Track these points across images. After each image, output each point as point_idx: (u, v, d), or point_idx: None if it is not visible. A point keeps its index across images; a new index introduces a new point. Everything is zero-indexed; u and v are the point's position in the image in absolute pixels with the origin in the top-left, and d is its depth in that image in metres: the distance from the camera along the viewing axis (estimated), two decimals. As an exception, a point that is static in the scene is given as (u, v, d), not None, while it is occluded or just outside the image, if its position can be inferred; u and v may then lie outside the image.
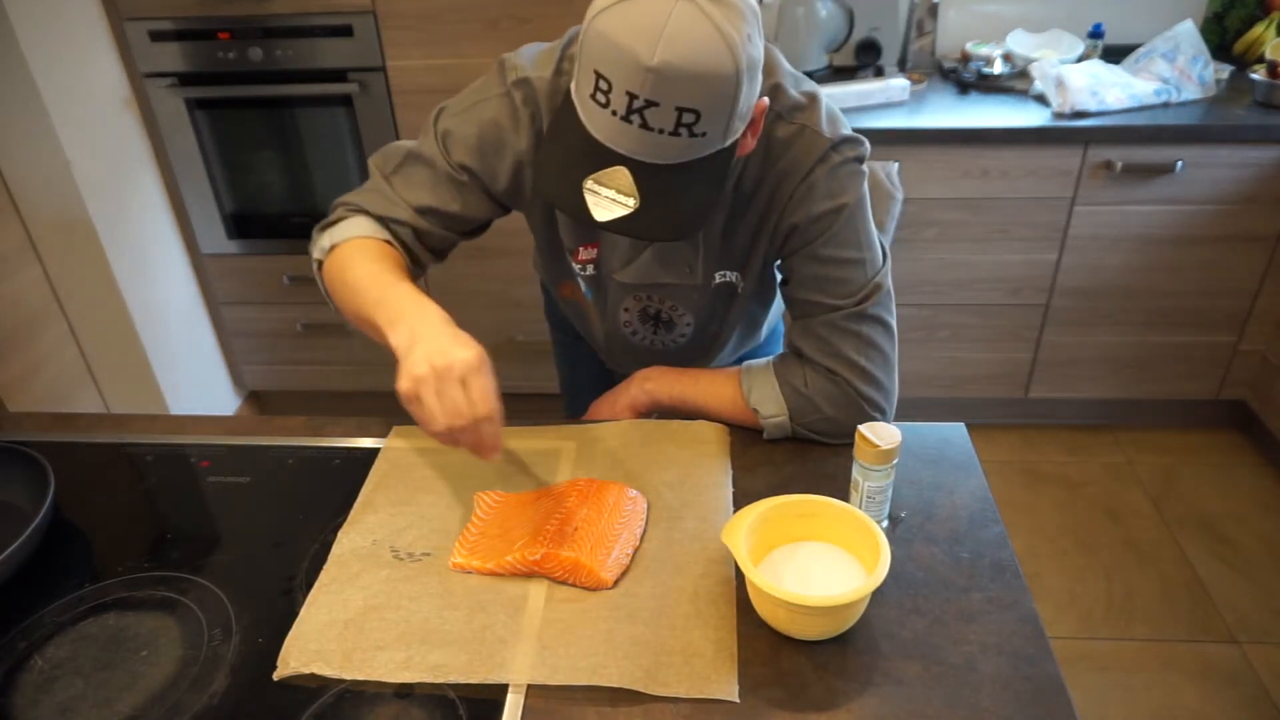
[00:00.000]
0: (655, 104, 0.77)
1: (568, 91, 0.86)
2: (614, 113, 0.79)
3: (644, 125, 0.79)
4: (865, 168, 0.99)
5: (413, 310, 0.88)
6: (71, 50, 1.94)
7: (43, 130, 1.89)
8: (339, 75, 2.09)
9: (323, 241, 1.03)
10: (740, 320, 1.18)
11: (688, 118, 0.78)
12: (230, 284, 2.40)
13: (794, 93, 0.96)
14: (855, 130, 0.99)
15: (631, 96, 0.77)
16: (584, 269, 1.11)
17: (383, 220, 1.03)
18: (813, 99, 0.97)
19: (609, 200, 0.82)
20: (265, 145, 2.21)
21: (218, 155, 2.22)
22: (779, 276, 1.11)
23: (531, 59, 0.98)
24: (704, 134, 0.80)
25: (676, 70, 0.75)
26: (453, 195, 1.02)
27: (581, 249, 1.08)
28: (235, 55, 2.08)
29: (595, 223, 0.82)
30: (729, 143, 0.84)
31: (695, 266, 1.06)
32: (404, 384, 0.83)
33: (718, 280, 1.08)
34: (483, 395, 0.82)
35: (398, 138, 2.15)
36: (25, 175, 1.95)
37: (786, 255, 1.03)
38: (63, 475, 1.00)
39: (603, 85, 0.78)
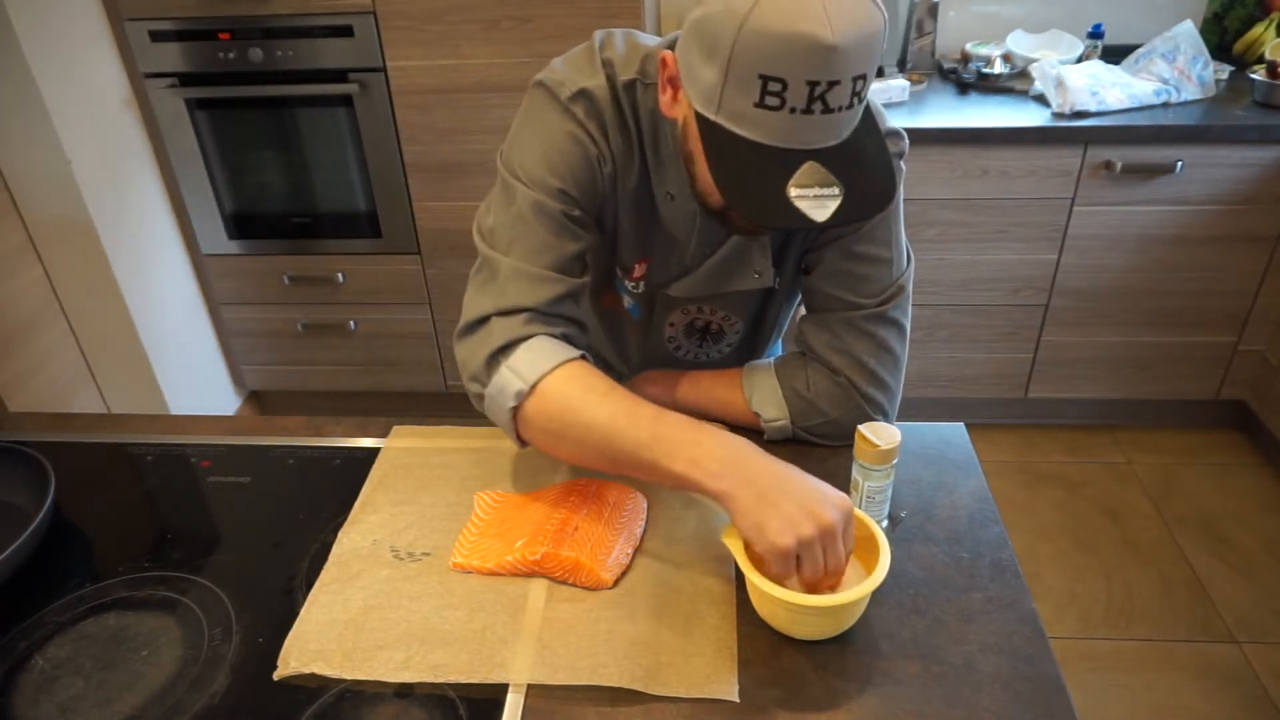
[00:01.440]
0: (836, 83, 0.74)
1: (701, 119, 0.80)
2: (792, 110, 0.75)
3: (825, 109, 0.75)
4: (904, 165, 0.98)
5: (725, 449, 0.81)
6: (72, 50, 1.94)
7: (43, 130, 1.89)
8: (339, 75, 2.09)
9: (514, 382, 0.87)
10: (777, 322, 1.16)
11: (859, 85, 0.76)
12: (230, 284, 2.40)
13: None
14: None
15: (813, 85, 0.74)
16: (636, 286, 1.07)
17: (548, 312, 0.91)
18: None
19: (816, 198, 0.78)
20: (265, 145, 2.21)
21: (218, 155, 2.23)
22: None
23: (573, 69, 0.93)
24: (864, 97, 0.79)
25: (853, 39, 0.73)
26: (572, 233, 0.93)
27: (637, 265, 1.05)
28: (235, 55, 2.08)
29: (818, 225, 0.78)
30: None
31: (765, 269, 1.02)
32: (786, 541, 0.76)
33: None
34: (849, 548, 0.80)
35: (398, 138, 2.15)
36: (25, 175, 1.95)
37: (817, 247, 1.01)
38: (63, 475, 1.00)
39: (773, 87, 0.74)
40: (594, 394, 0.86)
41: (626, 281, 1.07)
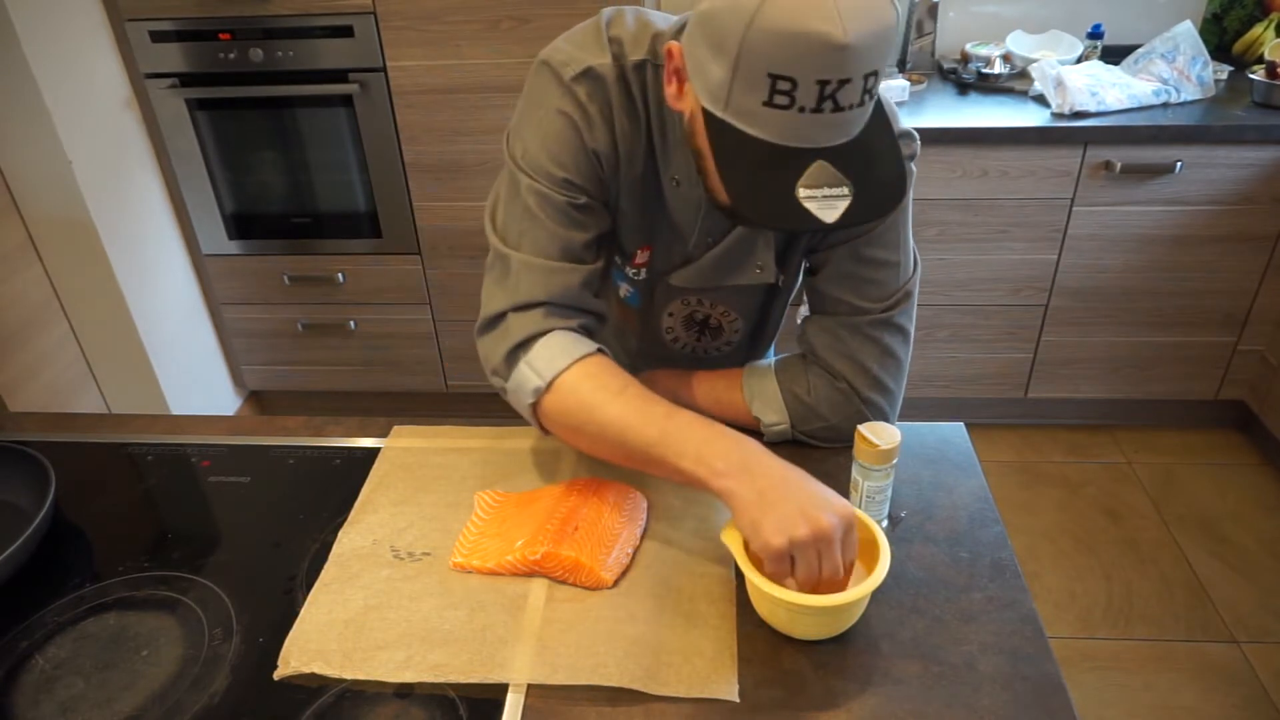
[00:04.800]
0: (848, 81, 0.72)
1: (709, 116, 0.78)
2: (801, 109, 0.73)
3: (836, 108, 0.73)
4: (914, 166, 0.95)
5: (731, 449, 0.82)
6: (73, 51, 1.94)
7: (44, 130, 1.89)
8: (339, 75, 2.09)
9: (531, 379, 0.89)
10: (779, 321, 1.14)
11: (870, 82, 0.74)
12: (230, 284, 2.40)
13: None
14: None
15: (823, 84, 0.72)
16: (637, 273, 1.05)
17: (563, 304, 0.92)
18: None
19: (826, 199, 0.76)
20: (265, 145, 2.21)
21: (218, 155, 2.23)
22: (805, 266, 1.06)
23: (579, 46, 0.90)
24: (874, 93, 0.77)
25: (865, 37, 0.70)
26: (578, 222, 0.92)
27: (639, 252, 1.03)
28: (236, 56, 2.08)
29: (828, 227, 0.77)
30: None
31: (768, 264, 1.00)
32: (778, 541, 0.76)
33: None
34: (850, 556, 0.79)
35: (398, 138, 2.15)
36: (26, 175, 1.95)
37: (824, 248, 0.99)
38: (63, 475, 1.00)
39: (782, 86, 0.72)
40: (607, 391, 0.87)
41: (627, 269, 1.06)
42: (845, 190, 0.76)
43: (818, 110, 0.73)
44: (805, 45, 0.70)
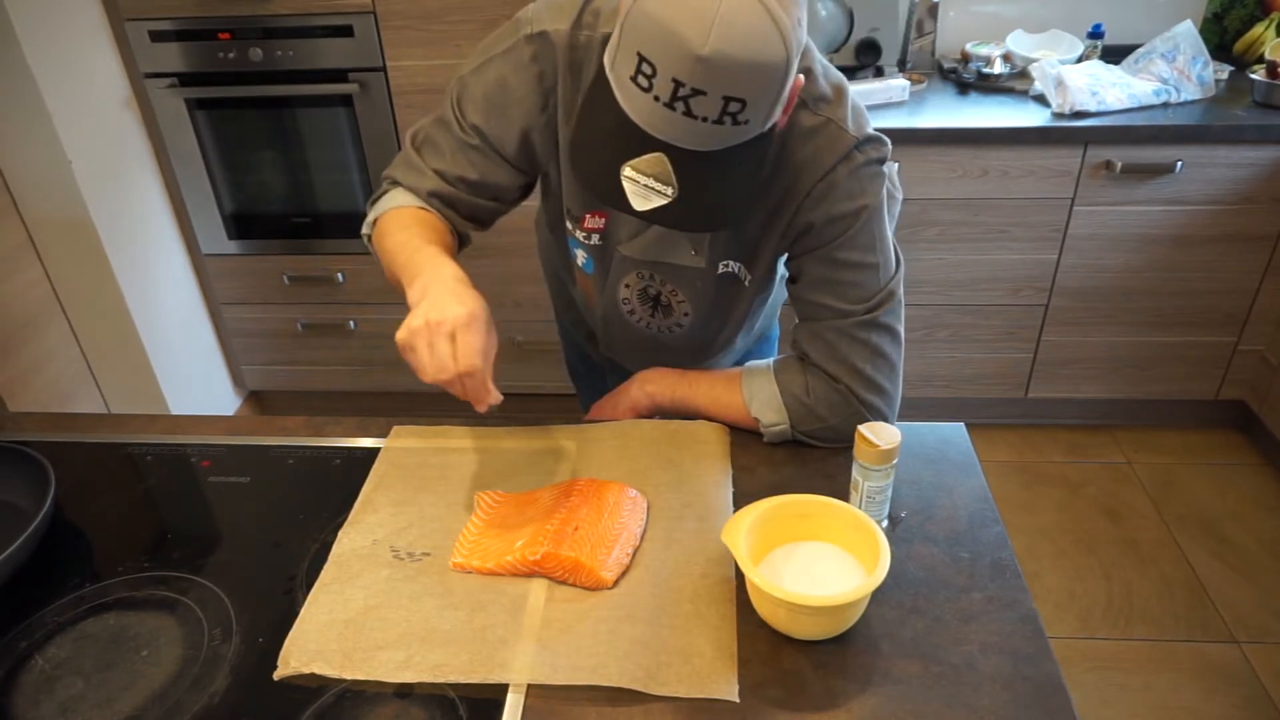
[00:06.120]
0: (702, 93, 0.74)
1: (600, 67, 0.82)
2: (656, 98, 0.75)
3: (687, 113, 0.75)
4: (886, 169, 0.96)
5: (428, 267, 0.90)
6: (72, 50, 1.94)
7: (43, 130, 1.89)
8: (339, 75, 2.09)
9: (370, 216, 1.06)
10: (745, 318, 1.15)
11: (734, 107, 0.76)
12: (230, 284, 2.40)
13: (822, 82, 0.93)
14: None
15: (677, 84, 0.74)
16: (589, 238, 1.07)
17: (413, 191, 1.04)
18: (840, 92, 0.94)
19: (646, 188, 0.79)
20: (265, 145, 2.21)
21: (218, 155, 2.23)
22: (784, 273, 1.08)
23: (550, 9, 0.95)
24: (747, 122, 0.78)
25: (729, 60, 0.72)
26: (470, 161, 1.01)
27: (588, 217, 1.05)
28: (235, 55, 2.08)
29: (633, 212, 0.80)
30: (768, 128, 0.81)
31: (701, 250, 1.03)
32: (400, 334, 0.85)
33: (721, 270, 1.05)
34: (465, 351, 0.83)
35: (397, 138, 2.15)
36: (26, 175, 1.95)
37: (798, 254, 1.00)
38: (63, 475, 1.00)
39: (645, 69, 0.75)
40: (397, 229, 0.99)
41: (578, 232, 1.08)
42: (669, 191, 0.79)
43: (670, 106, 0.76)
44: (666, 40, 0.73)
